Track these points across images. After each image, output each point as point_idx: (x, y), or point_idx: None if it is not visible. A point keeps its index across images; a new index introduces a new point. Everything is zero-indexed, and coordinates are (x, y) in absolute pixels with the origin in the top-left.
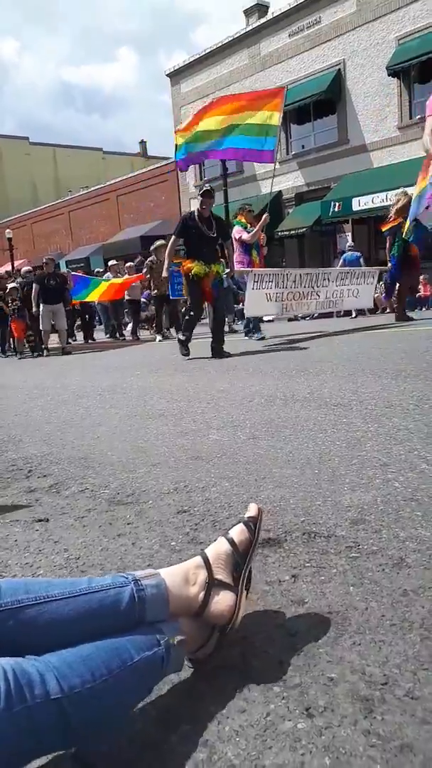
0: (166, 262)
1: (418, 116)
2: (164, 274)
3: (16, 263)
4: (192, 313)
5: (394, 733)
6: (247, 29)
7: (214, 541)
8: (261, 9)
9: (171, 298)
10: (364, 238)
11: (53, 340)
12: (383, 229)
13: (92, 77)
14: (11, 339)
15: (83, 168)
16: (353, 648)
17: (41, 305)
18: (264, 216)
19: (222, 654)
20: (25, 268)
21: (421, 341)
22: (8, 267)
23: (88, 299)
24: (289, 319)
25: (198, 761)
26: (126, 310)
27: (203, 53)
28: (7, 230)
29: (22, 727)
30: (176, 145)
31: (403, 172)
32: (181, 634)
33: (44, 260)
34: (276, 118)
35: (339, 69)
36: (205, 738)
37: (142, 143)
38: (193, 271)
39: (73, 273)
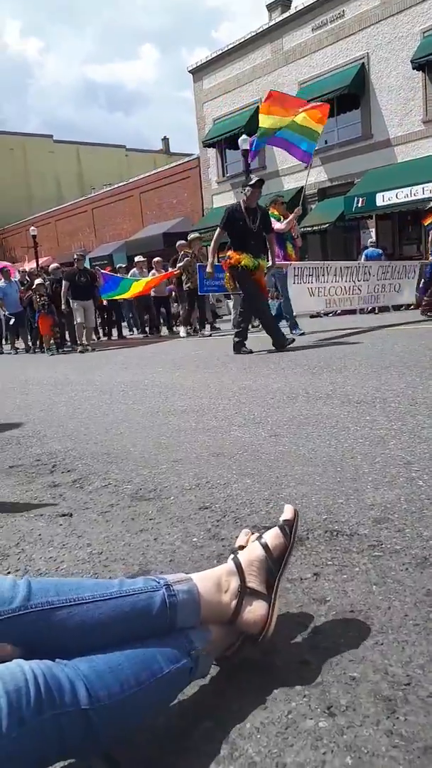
0: (210, 257)
1: None
2: (208, 269)
3: (40, 260)
4: (258, 308)
5: (417, 734)
6: (270, 24)
7: (245, 542)
8: (284, 3)
9: (199, 293)
10: (388, 233)
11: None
12: (425, 223)
13: (115, 75)
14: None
15: (106, 165)
16: (376, 647)
17: (72, 301)
18: (296, 209)
19: (244, 652)
20: (53, 266)
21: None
22: (33, 264)
23: (119, 297)
24: (312, 316)
25: (219, 758)
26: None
27: (226, 49)
28: (32, 228)
29: (50, 732)
30: (258, 130)
31: (429, 167)
32: (211, 644)
33: (75, 256)
34: (320, 129)
35: (363, 63)
36: (226, 735)
37: (165, 140)
38: (242, 263)
39: (102, 271)
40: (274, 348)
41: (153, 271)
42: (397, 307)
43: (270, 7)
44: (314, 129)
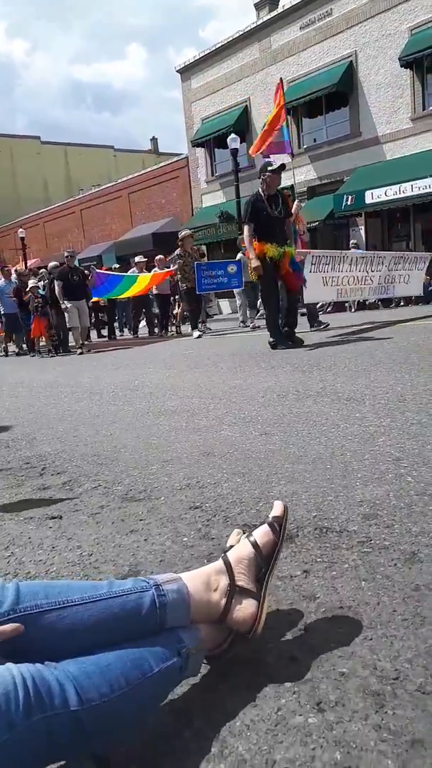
0: (251, 254)
1: (431, 108)
2: (253, 264)
3: (29, 262)
4: (269, 304)
5: (405, 728)
6: (258, 23)
7: (237, 541)
8: (272, 2)
9: (197, 292)
10: (377, 231)
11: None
12: None
13: (102, 74)
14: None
15: (94, 166)
16: (364, 643)
17: (67, 302)
18: (296, 203)
19: (234, 650)
20: (52, 264)
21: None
22: (21, 266)
23: (122, 296)
24: (302, 314)
25: (210, 756)
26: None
27: (214, 48)
28: (20, 229)
29: (40, 735)
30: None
31: (417, 164)
32: (200, 642)
33: (65, 255)
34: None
35: (351, 61)
36: (217, 733)
37: (153, 140)
38: (268, 255)
39: (98, 271)
40: (271, 342)
41: (155, 269)
42: (387, 303)
43: (258, 6)
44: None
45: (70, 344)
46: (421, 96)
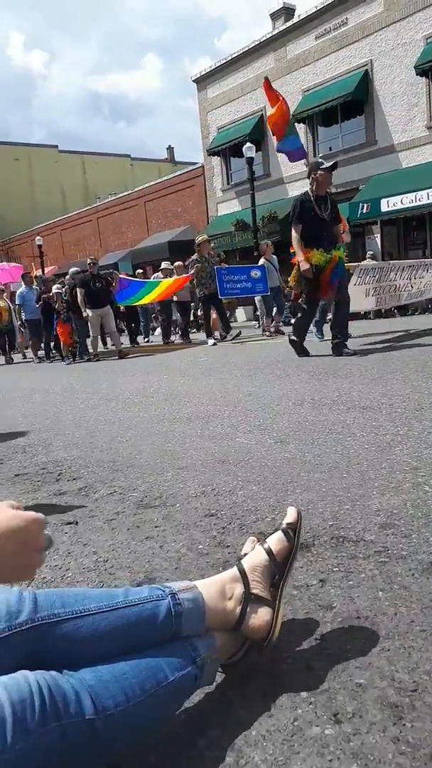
0: (299, 256)
1: None
2: (303, 266)
3: (46, 270)
4: (306, 310)
5: (424, 740)
6: (274, 33)
7: (252, 549)
8: (287, 12)
9: (220, 297)
10: (393, 239)
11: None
12: None
13: (118, 85)
14: (57, 343)
15: (111, 174)
16: (382, 654)
17: (89, 310)
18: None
19: (250, 659)
20: (73, 269)
21: None
22: (38, 272)
23: (140, 303)
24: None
25: (225, 766)
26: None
27: (229, 58)
28: (37, 237)
29: (54, 742)
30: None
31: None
32: (215, 651)
33: (88, 262)
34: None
35: (366, 70)
36: (232, 743)
37: (170, 149)
38: (312, 262)
39: (121, 276)
40: (291, 337)
41: (174, 275)
42: (403, 311)
43: (273, 16)
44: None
45: (92, 352)
46: None
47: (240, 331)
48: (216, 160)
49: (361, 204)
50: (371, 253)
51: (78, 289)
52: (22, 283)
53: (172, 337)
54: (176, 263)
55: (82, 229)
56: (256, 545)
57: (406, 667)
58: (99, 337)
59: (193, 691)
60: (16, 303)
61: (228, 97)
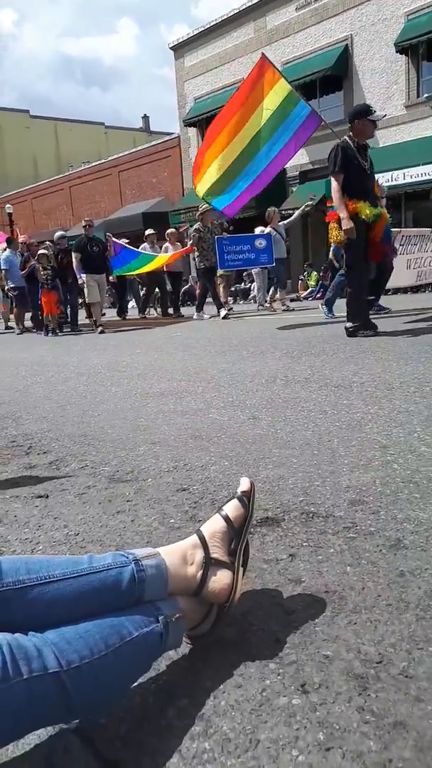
0: (344, 212)
1: (426, 95)
2: (345, 225)
3: (18, 239)
4: (353, 280)
5: (387, 710)
6: (254, 2)
7: (209, 518)
8: None
9: (219, 269)
10: None
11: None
12: None
13: (91, 49)
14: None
15: (85, 143)
16: (349, 627)
17: (84, 276)
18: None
19: (219, 631)
20: (58, 233)
21: (424, 323)
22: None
23: (132, 273)
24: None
25: (194, 734)
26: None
27: (208, 26)
28: (7, 205)
29: (21, 699)
30: (203, 198)
31: (410, 152)
32: (179, 611)
33: (83, 223)
34: (283, 87)
35: (346, 44)
36: (201, 712)
37: (145, 118)
38: (362, 215)
39: (114, 240)
40: (349, 329)
41: (166, 244)
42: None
43: None
44: (285, 95)
45: (94, 320)
46: (416, 83)
47: (231, 308)
48: (192, 131)
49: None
50: None
51: (73, 254)
52: (7, 248)
53: (151, 311)
54: (169, 230)
55: (54, 198)
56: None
57: (372, 639)
58: (99, 303)
59: (161, 652)
60: (2, 268)
61: (206, 67)
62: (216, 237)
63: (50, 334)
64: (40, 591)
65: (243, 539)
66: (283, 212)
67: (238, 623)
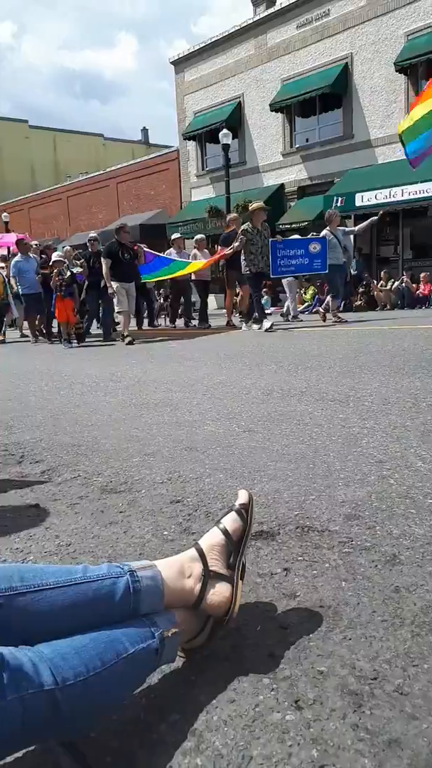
0: None
1: None
2: None
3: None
4: None
5: (382, 727)
6: (255, 19)
7: (207, 531)
8: None
9: (273, 276)
10: (366, 234)
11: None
12: None
13: (90, 63)
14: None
15: (83, 153)
16: (344, 642)
17: (115, 283)
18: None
19: (213, 645)
20: (91, 234)
21: (419, 339)
22: (3, 251)
23: (155, 279)
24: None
25: (186, 750)
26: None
27: (209, 42)
28: (4, 213)
29: (14, 716)
30: (401, 140)
31: (408, 170)
32: (175, 626)
33: (115, 227)
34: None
35: (346, 63)
36: (194, 727)
37: (144, 131)
38: None
39: (147, 250)
40: None
41: (194, 251)
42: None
43: (255, 2)
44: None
45: (125, 334)
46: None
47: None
48: (191, 145)
49: (335, 197)
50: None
51: (103, 260)
52: (16, 250)
53: (178, 322)
54: (198, 237)
55: (52, 208)
56: (212, 526)
57: (367, 655)
58: (129, 313)
59: (156, 667)
60: (11, 273)
61: (206, 82)
62: (270, 240)
63: (65, 344)
64: (33, 599)
65: (242, 552)
66: (281, 226)
67: (232, 637)
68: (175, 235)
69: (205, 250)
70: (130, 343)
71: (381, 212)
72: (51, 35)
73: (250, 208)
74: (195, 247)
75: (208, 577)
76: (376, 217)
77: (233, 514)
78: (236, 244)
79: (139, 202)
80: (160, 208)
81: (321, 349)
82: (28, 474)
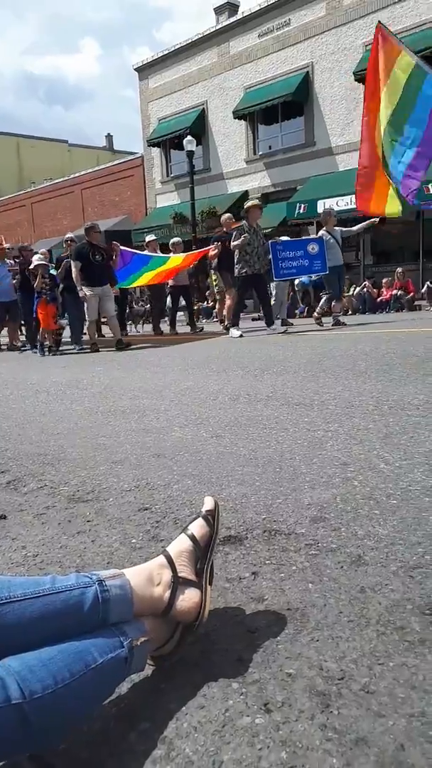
0: None
1: None
2: None
3: None
4: None
5: (349, 726)
6: (217, 27)
7: (175, 538)
8: (231, 8)
9: (276, 279)
10: None
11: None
12: None
13: (54, 68)
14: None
15: (48, 160)
16: (311, 644)
17: (86, 289)
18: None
19: (181, 650)
20: (68, 235)
21: (381, 343)
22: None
23: (134, 285)
24: (254, 319)
25: (156, 758)
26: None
27: (173, 49)
28: None
29: None
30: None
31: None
32: (145, 634)
33: (85, 227)
34: (407, 61)
35: (307, 71)
36: (163, 735)
37: (109, 137)
38: None
39: (123, 249)
40: None
41: (171, 254)
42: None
43: (218, 11)
44: (410, 69)
45: (92, 341)
46: None
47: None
48: (156, 151)
49: (298, 204)
50: None
51: (73, 263)
52: None
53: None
54: (174, 240)
55: (16, 214)
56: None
57: (334, 656)
58: (96, 322)
59: (125, 676)
60: None
61: (170, 89)
62: (270, 242)
63: (45, 353)
64: (0, 612)
65: (209, 558)
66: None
67: (200, 643)
68: (149, 237)
69: (181, 254)
70: (95, 350)
71: (377, 219)
72: (15, 39)
73: (245, 205)
74: (171, 251)
75: (178, 584)
76: (375, 219)
77: (200, 520)
78: (237, 242)
79: (103, 208)
80: (125, 215)
81: (286, 354)
82: None
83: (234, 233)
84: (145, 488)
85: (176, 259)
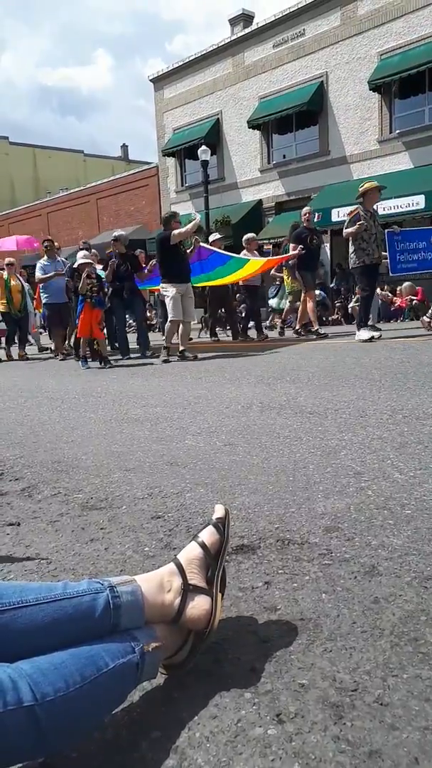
0: None
1: (398, 131)
2: None
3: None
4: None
5: (363, 739)
6: (232, 38)
7: (185, 546)
8: (246, 18)
9: (391, 274)
10: (342, 248)
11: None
12: None
13: (68, 79)
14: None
15: (63, 169)
16: (324, 655)
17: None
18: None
19: (194, 660)
20: (116, 232)
21: (396, 352)
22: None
23: (224, 281)
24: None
25: (168, 767)
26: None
27: (188, 60)
28: None
29: None
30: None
31: (388, 184)
32: (156, 641)
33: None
34: None
35: (321, 81)
36: (175, 744)
37: (124, 147)
38: None
39: (203, 245)
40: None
41: (244, 252)
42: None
43: (232, 22)
44: None
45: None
46: (389, 119)
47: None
48: (171, 161)
49: (312, 212)
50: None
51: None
52: (43, 253)
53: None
54: (248, 236)
55: (32, 224)
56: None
57: (347, 667)
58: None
59: (136, 682)
60: (37, 277)
61: (184, 99)
62: (387, 231)
63: (82, 363)
64: (12, 616)
65: (220, 565)
66: (259, 242)
67: (213, 652)
68: (213, 237)
69: (256, 252)
70: (107, 366)
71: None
72: (30, 51)
73: (360, 188)
74: (245, 248)
75: (188, 591)
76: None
77: (210, 528)
78: (351, 229)
79: (118, 217)
80: (140, 224)
81: (299, 363)
82: (7, 492)
83: (347, 220)
84: (158, 496)
85: (256, 263)
